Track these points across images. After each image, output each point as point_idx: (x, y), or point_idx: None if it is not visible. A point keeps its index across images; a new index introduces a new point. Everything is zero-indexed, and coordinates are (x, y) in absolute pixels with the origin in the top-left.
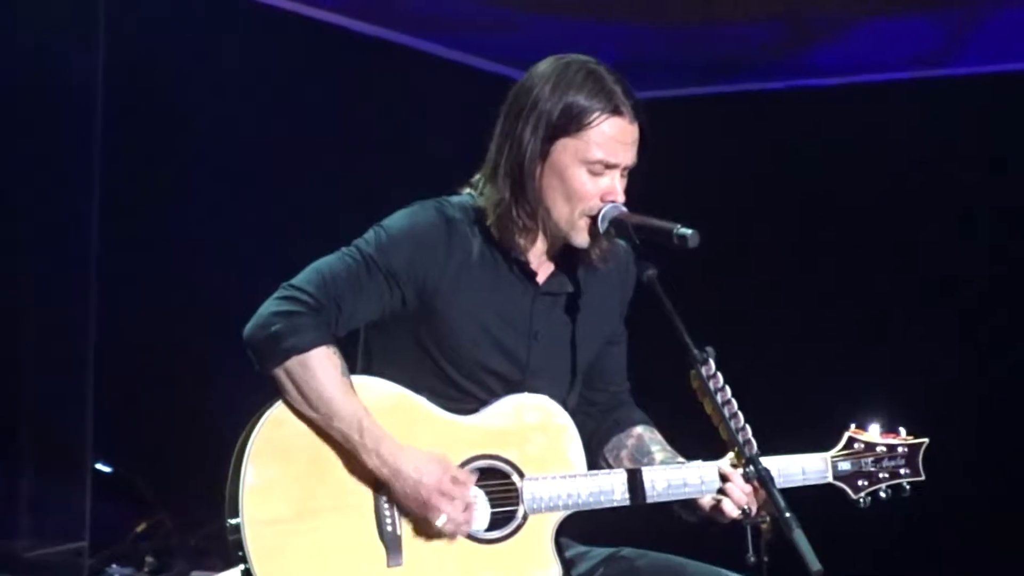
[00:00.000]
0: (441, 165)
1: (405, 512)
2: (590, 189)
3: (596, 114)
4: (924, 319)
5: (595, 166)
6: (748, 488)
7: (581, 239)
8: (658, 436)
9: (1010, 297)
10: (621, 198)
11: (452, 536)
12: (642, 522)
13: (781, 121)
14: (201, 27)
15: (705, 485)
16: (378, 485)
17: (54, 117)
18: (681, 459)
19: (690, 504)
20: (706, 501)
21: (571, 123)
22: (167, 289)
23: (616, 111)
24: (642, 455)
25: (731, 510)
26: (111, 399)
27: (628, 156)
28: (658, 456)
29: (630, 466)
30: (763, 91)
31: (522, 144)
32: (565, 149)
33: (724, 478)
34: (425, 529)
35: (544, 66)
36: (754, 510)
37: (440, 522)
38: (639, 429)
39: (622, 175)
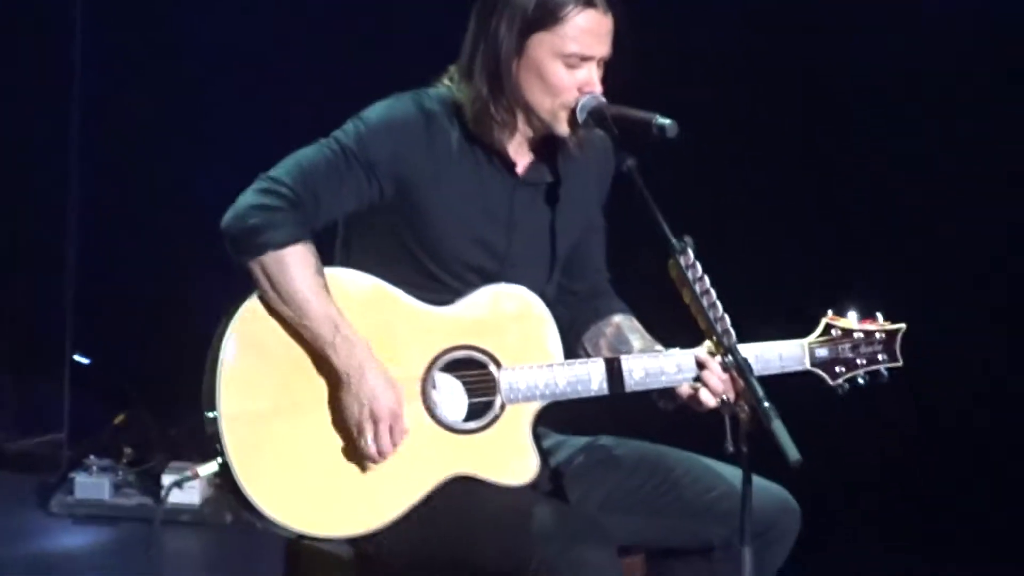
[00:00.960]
0: (418, 57)
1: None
2: (567, 82)
3: (570, 7)
4: (907, 207)
5: (571, 59)
6: (725, 376)
7: (562, 129)
8: (637, 325)
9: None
10: (598, 89)
11: (368, 460)
12: (620, 411)
13: (763, 7)
14: None
15: (682, 373)
16: None
17: (34, 43)
18: (660, 347)
19: (668, 392)
20: (684, 390)
21: (545, 17)
22: (146, 181)
23: (589, 3)
24: (620, 343)
25: (708, 399)
26: (89, 292)
27: (603, 48)
28: (636, 344)
29: (608, 354)
30: None
31: (497, 40)
32: (541, 44)
33: (701, 366)
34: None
35: None
36: (731, 398)
37: (366, 440)
38: (617, 318)
39: (599, 66)
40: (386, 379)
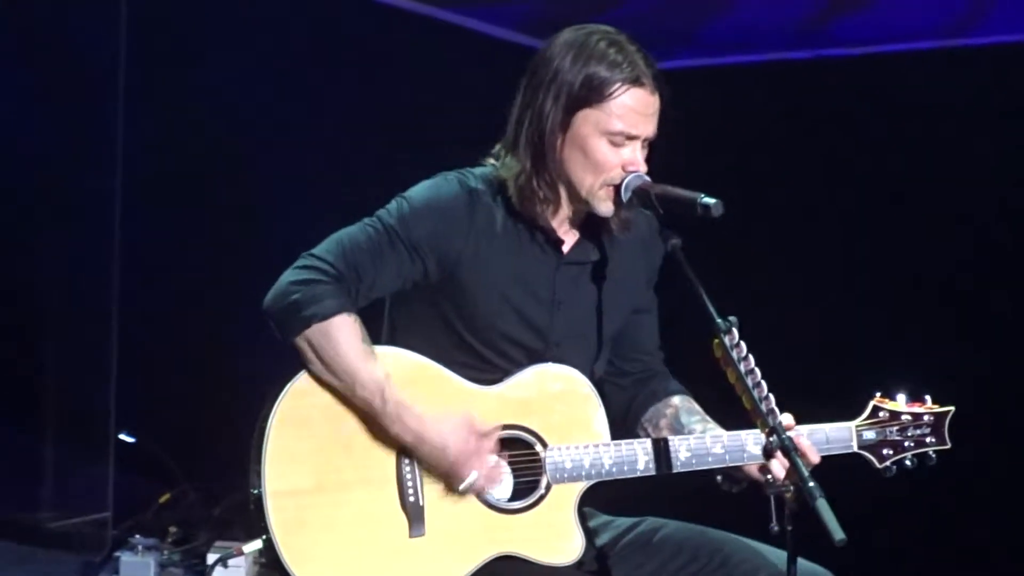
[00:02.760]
0: (463, 136)
1: (431, 479)
2: (611, 160)
3: (617, 85)
4: (954, 289)
5: (616, 137)
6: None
7: (604, 208)
8: (696, 406)
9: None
10: (643, 168)
11: (482, 492)
12: (666, 492)
13: (804, 92)
14: None
15: (729, 455)
16: (401, 454)
17: (75, 85)
18: (720, 430)
19: (729, 475)
20: (750, 469)
21: (592, 94)
22: (190, 258)
23: (637, 82)
24: (681, 425)
25: (777, 471)
26: (134, 369)
27: (649, 127)
28: (697, 427)
29: (669, 435)
30: (786, 61)
31: (543, 115)
32: (586, 120)
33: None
34: (448, 498)
35: (565, 35)
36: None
37: (468, 482)
38: (676, 399)
39: (643, 146)
40: (446, 425)
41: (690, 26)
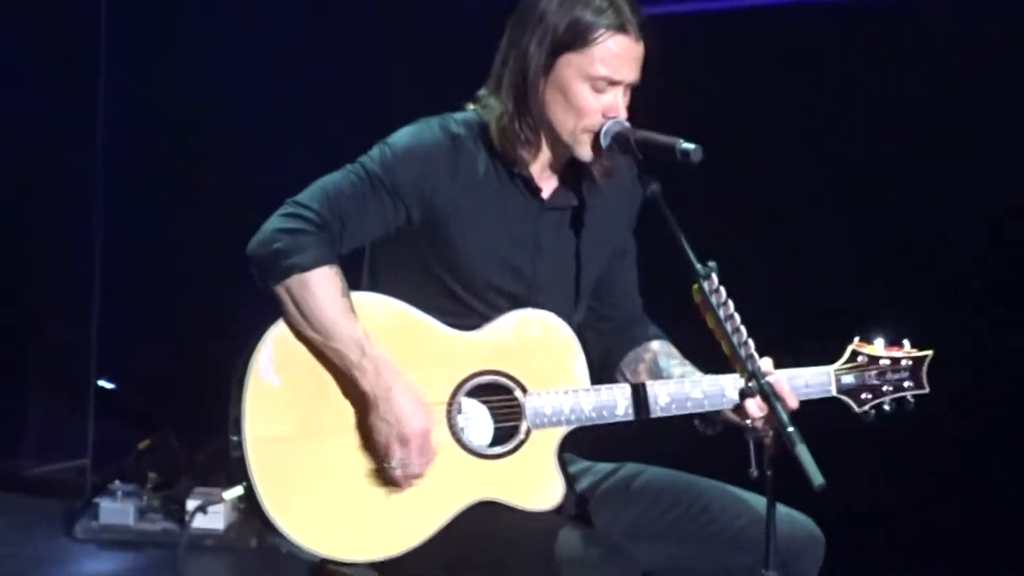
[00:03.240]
0: (448, 81)
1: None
2: (592, 105)
3: (601, 30)
4: (931, 235)
5: (598, 82)
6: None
7: (584, 152)
8: (674, 350)
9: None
10: (623, 115)
11: (400, 481)
12: (647, 438)
13: (791, 36)
14: None
15: (708, 400)
16: None
17: (59, 57)
18: (699, 373)
19: (707, 419)
20: (726, 413)
21: (576, 38)
22: (173, 209)
23: (622, 28)
24: (660, 369)
25: (753, 410)
26: (115, 317)
27: (632, 73)
28: (676, 371)
29: (649, 379)
30: (773, 5)
31: (527, 57)
32: (569, 64)
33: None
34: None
35: None
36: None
37: (395, 462)
38: (655, 344)
39: (625, 92)
40: (414, 400)
41: None
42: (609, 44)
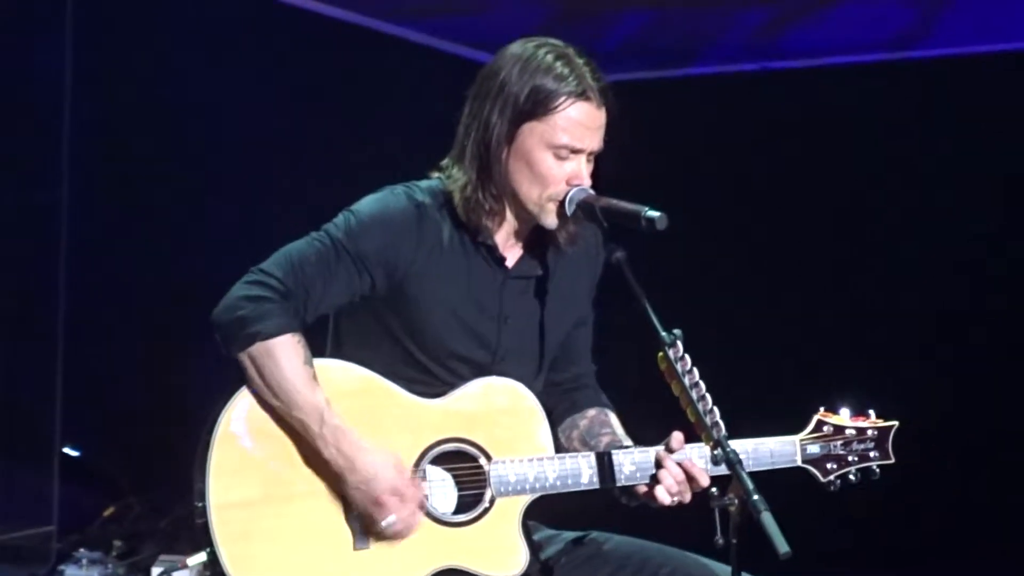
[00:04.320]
0: (412, 150)
1: (353, 505)
2: (556, 173)
3: (563, 98)
4: (897, 302)
5: (561, 150)
6: (681, 476)
7: (550, 221)
8: (611, 419)
9: (983, 278)
10: (587, 182)
11: (395, 537)
12: (611, 506)
13: (754, 104)
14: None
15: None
16: None
17: (22, 91)
18: (628, 443)
19: (629, 489)
20: (641, 488)
21: (537, 107)
22: (136, 273)
23: (583, 95)
24: (591, 437)
25: (663, 496)
26: (79, 383)
27: (594, 141)
28: (604, 439)
29: (580, 448)
30: (737, 73)
31: (489, 126)
32: (532, 132)
33: (658, 464)
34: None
35: (513, 48)
36: (686, 498)
37: (387, 522)
38: (593, 411)
39: (588, 159)
40: (378, 458)
41: (643, 38)
42: (570, 112)
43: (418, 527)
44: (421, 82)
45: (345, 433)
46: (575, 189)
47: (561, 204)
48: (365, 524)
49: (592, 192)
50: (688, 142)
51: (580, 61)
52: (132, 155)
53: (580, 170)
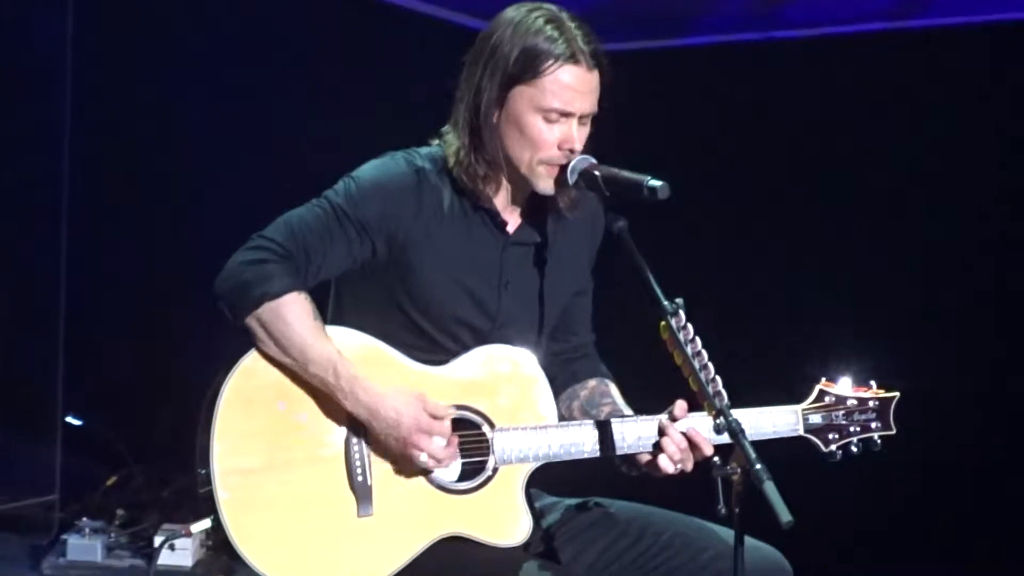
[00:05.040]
0: (415, 116)
1: (379, 458)
2: (547, 137)
3: (551, 61)
4: (898, 272)
5: (550, 114)
6: (684, 444)
7: (543, 186)
8: (612, 389)
9: (979, 247)
10: (579, 146)
11: (430, 472)
12: (613, 473)
13: (749, 74)
14: None
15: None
16: (351, 434)
17: (23, 77)
18: (629, 412)
19: (631, 458)
20: (644, 457)
21: (526, 70)
22: (138, 241)
23: (572, 58)
24: (592, 407)
25: (666, 465)
26: (81, 352)
27: (585, 104)
28: (605, 409)
29: (580, 418)
30: (732, 43)
31: (480, 91)
32: (521, 96)
33: (661, 432)
34: (396, 479)
35: (508, 12)
36: (688, 467)
37: (422, 459)
38: (593, 381)
39: (582, 123)
40: (399, 399)
41: (639, 9)
42: (559, 75)
43: (455, 455)
44: (427, 51)
45: (361, 381)
46: (578, 158)
47: (562, 171)
48: (389, 477)
49: (593, 160)
50: (683, 113)
51: (572, 24)
52: (133, 129)
53: (571, 133)
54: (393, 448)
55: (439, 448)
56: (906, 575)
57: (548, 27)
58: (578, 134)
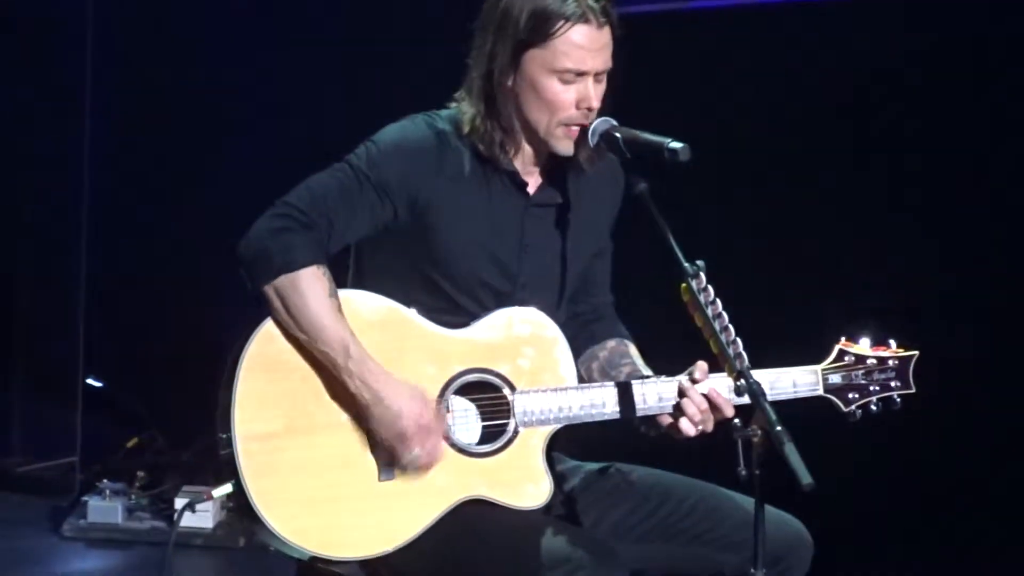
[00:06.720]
0: (436, 80)
1: (378, 438)
2: (564, 97)
3: (561, 23)
4: (918, 233)
5: (565, 75)
6: (704, 405)
7: (562, 147)
8: (631, 350)
9: (1006, 208)
10: (597, 104)
11: (420, 471)
12: (634, 440)
13: (765, 37)
14: None
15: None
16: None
17: (45, 46)
18: (649, 373)
19: (651, 420)
20: (664, 418)
21: (537, 33)
22: (161, 204)
23: (582, 17)
24: (611, 368)
25: (686, 427)
26: (103, 315)
27: (598, 62)
28: (625, 370)
29: (600, 378)
30: (744, 5)
31: (492, 57)
32: (534, 60)
33: (681, 393)
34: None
35: None
36: (709, 428)
37: (410, 455)
38: (612, 342)
39: (598, 80)
40: (404, 392)
41: None
42: (571, 35)
43: (442, 458)
44: (433, 14)
45: (370, 366)
46: (599, 120)
47: (583, 133)
48: (390, 457)
49: (614, 122)
50: (703, 75)
51: None
52: (155, 87)
53: (588, 92)
54: (384, 437)
55: (430, 449)
56: (932, 547)
57: None
58: (595, 92)
